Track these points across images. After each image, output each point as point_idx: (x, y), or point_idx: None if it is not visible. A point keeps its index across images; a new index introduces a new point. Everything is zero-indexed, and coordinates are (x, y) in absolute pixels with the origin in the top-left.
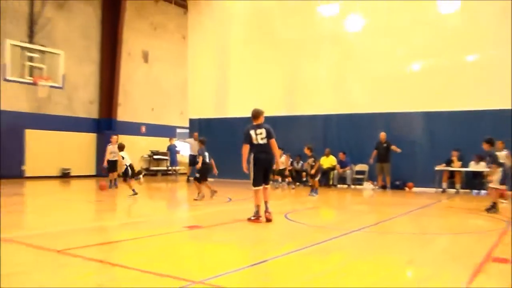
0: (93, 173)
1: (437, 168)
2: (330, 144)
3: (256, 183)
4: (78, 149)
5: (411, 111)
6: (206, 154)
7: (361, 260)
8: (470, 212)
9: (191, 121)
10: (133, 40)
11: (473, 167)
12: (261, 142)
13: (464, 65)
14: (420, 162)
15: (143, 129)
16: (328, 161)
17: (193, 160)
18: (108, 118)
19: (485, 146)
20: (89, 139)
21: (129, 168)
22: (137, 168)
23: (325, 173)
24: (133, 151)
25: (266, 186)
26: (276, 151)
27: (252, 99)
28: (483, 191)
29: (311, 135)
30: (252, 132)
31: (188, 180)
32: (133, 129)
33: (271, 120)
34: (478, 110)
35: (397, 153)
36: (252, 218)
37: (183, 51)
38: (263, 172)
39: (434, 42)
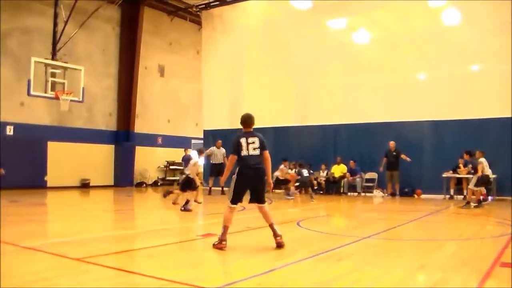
0: (111, 183)
1: (445, 175)
2: (340, 152)
3: (234, 200)
4: (97, 160)
5: (419, 120)
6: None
7: (372, 266)
8: (478, 217)
9: (206, 132)
10: (149, 55)
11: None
12: (252, 153)
13: (469, 75)
14: (428, 169)
15: (160, 140)
16: (339, 169)
17: (217, 169)
18: (126, 130)
19: (466, 157)
20: (107, 150)
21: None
22: (153, 177)
23: (336, 181)
24: (149, 161)
25: (260, 205)
26: (269, 164)
27: (264, 110)
28: (490, 197)
29: (322, 144)
30: (242, 141)
31: (209, 193)
32: (150, 140)
33: (284, 130)
34: (483, 118)
35: (407, 161)
36: (216, 243)
37: (197, 65)
38: (249, 189)
39: (440, 52)
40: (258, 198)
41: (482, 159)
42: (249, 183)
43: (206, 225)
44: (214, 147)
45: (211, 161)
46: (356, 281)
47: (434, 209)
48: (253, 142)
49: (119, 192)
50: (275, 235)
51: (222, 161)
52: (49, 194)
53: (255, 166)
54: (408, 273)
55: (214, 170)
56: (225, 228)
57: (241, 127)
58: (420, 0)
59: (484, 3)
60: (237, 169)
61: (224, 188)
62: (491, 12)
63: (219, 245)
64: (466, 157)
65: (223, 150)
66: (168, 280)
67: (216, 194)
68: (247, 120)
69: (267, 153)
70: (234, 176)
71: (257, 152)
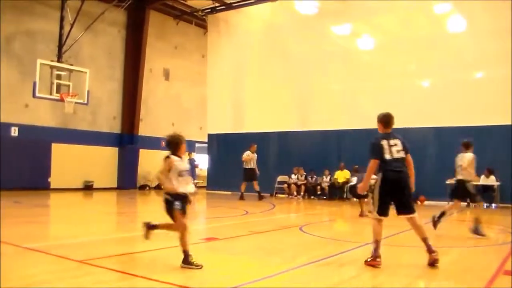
0: (115, 185)
1: (448, 181)
2: (344, 158)
3: (381, 210)
4: (101, 162)
5: (423, 126)
6: None
7: (374, 272)
8: (481, 225)
9: (210, 136)
10: (154, 58)
11: (483, 180)
12: (397, 156)
13: (473, 81)
14: (431, 176)
15: (163, 143)
16: (342, 175)
17: (250, 174)
18: (130, 132)
19: None
20: (111, 153)
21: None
22: (156, 181)
23: (339, 187)
24: (153, 164)
25: (410, 215)
26: (413, 168)
27: (267, 114)
28: (493, 205)
29: (325, 149)
30: (384, 143)
31: (242, 197)
32: (153, 143)
33: (287, 134)
34: (487, 125)
35: None
36: (369, 259)
37: (202, 69)
38: (396, 197)
39: (444, 59)
40: (406, 207)
41: None
42: (395, 190)
43: (209, 229)
44: (249, 151)
45: (244, 166)
46: (358, 287)
47: (437, 215)
48: (396, 145)
49: (122, 195)
50: (430, 250)
51: (255, 167)
52: (52, 195)
53: (400, 170)
54: (410, 279)
55: (247, 175)
56: (377, 242)
57: (242, 131)
58: (424, 6)
59: (488, 8)
60: (380, 174)
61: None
62: (495, 17)
63: (373, 262)
64: None
65: (256, 155)
66: (170, 283)
67: (250, 200)
68: (388, 119)
69: (410, 157)
70: (378, 183)
71: (402, 154)
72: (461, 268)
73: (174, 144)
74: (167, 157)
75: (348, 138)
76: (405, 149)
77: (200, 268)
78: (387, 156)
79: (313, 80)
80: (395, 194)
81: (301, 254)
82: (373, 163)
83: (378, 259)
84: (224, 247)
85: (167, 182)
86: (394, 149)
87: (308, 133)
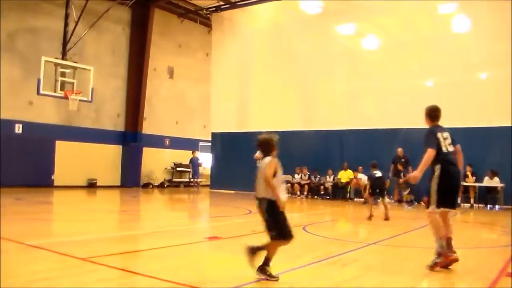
0: (118, 183)
1: None
2: (347, 158)
3: (442, 202)
4: (105, 160)
5: (426, 127)
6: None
7: (376, 272)
8: (485, 226)
9: (214, 134)
10: (159, 57)
11: (487, 182)
12: (450, 149)
13: (477, 83)
14: None
15: (167, 142)
16: (346, 175)
17: None
18: (134, 130)
19: None
20: (115, 150)
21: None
22: (160, 179)
23: (343, 187)
24: (157, 162)
25: (453, 210)
26: (462, 159)
27: (271, 113)
28: (497, 206)
29: (329, 149)
30: (440, 136)
31: None
32: (157, 141)
33: (291, 134)
34: (491, 126)
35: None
36: (437, 260)
37: (206, 68)
38: (453, 190)
39: (448, 59)
40: (455, 201)
41: None
42: (455, 183)
43: (213, 228)
44: None
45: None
46: (360, 287)
47: None
48: (447, 138)
49: (126, 193)
50: (450, 250)
51: None
52: (55, 193)
53: (456, 163)
54: (412, 280)
55: None
56: (443, 237)
57: (246, 130)
58: (428, 6)
59: (492, 9)
60: (438, 167)
61: None
62: (500, 18)
63: (449, 258)
64: None
65: None
66: (172, 281)
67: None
68: (436, 113)
69: (459, 146)
70: (436, 177)
71: (452, 148)
72: (464, 269)
73: (271, 145)
74: (272, 158)
75: (351, 138)
76: (454, 141)
77: (277, 280)
78: (444, 149)
79: (317, 80)
80: (454, 187)
81: (304, 253)
82: (431, 153)
83: (454, 254)
84: (227, 246)
85: (276, 189)
86: (447, 142)
87: (312, 132)
